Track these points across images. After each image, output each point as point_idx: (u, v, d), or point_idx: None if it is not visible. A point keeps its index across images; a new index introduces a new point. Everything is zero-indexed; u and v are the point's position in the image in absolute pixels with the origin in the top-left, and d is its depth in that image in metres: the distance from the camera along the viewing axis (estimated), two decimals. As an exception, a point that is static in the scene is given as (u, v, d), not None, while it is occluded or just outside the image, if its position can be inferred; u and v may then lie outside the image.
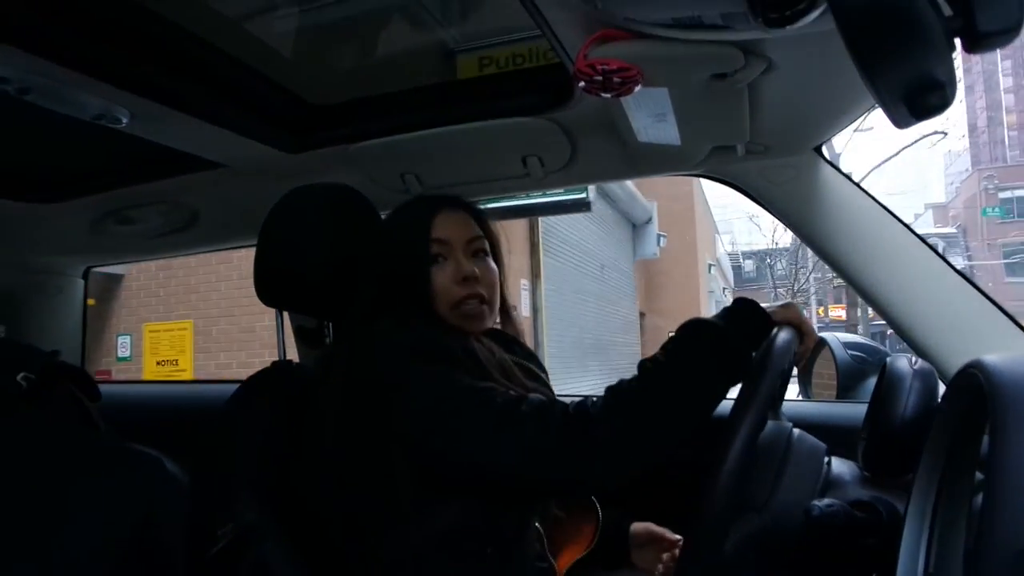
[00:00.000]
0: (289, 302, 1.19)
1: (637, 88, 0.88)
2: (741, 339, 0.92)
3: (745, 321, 0.94)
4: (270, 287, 1.13)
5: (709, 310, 15.17)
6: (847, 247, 1.17)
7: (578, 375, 8.79)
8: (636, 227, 13.05)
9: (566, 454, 0.86)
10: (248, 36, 1.12)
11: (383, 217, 1.17)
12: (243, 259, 6.13)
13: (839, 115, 1.08)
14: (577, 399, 0.90)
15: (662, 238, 13.05)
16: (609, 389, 0.91)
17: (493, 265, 1.08)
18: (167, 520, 0.60)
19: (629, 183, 10.66)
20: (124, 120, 1.04)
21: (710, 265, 16.91)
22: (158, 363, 6.76)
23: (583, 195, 7.34)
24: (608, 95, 0.91)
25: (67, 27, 0.87)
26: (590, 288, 10.14)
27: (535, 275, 7.86)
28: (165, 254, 1.76)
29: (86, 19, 0.89)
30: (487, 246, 1.08)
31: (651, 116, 1.01)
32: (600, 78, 0.87)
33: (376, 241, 1.08)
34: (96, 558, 0.46)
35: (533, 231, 7.92)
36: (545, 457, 0.87)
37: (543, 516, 1.09)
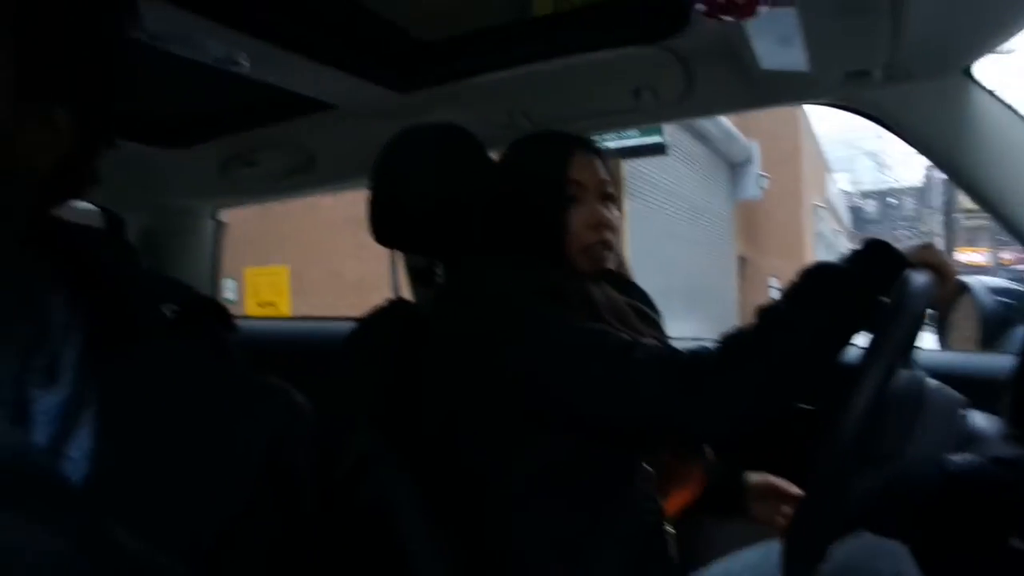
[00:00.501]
0: (401, 241, 1.21)
1: (761, 9, 0.82)
2: (870, 282, 0.85)
3: (875, 263, 0.87)
4: (382, 227, 1.15)
5: (818, 254, 14.29)
6: (1003, 183, 1.05)
7: (668, 322, 8.44)
8: (735, 167, 12.39)
9: (677, 403, 0.84)
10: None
11: (495, 155, 1.17)
12: (330, 208, 6.39)
13: (995, 29, 0.96)
14: (692, 346, 0.88)
15: (763, 179, 12.34)
16: (725, 337, 0.88)
17: (616, 211, 1.06)
18: (295, 445, 0.64)
19: (726, 120, 10.08)
20: (244, 63, 1.07)
21: (817, 206, 15.90)
22: (259, 305, 7.16)
23: (658, 138, 6.98)
24: (728, 18, 0.85)
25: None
26: (680, 232, 9.76)
27: (619, 219, 7.65)
28: (287, 195, 1.84)
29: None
30: (615, 192, 1.07)
31: (776, 40, 0.93)
32: (720, 0, 0.81)
33: (504, 179, 1.07)
34: (234, 476, 0.49)
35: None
36: (655, 405, 0.85)
37: (652, 457, 1.08)
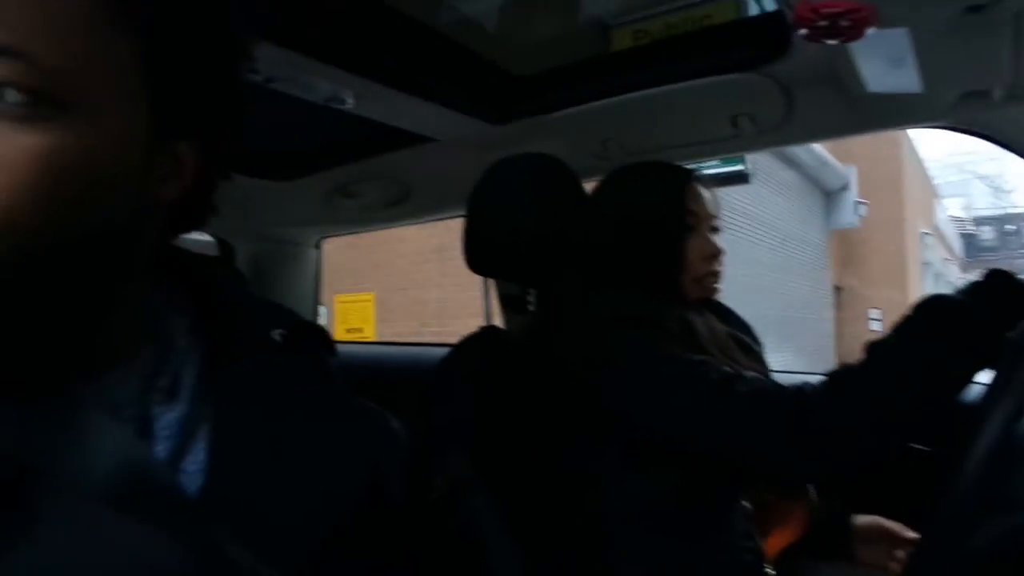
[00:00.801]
0: (495, 270, 1.23)
1: (868, 31, 0.79)
2: (991, 317, 0.79)
3: (996, 296, 0.81)
4: (477, 255, 1.17)
5: (924, 283, 13.38)
6: None
7: (759, 354, 8.15)
8: (830, 194, 11.87)
9: (779, 442, 0.81)
10: (454, 12, 1.16)
11: (588, 185, 1.17)
12: (415, 239, 6.74)
13: None
14: (796, 381, 0.84)
15: (861, 206, 11.74)
16: (831, 374, 0.83)
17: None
18: (391, 469, 0.65)
19: (819, 147, 9.70)
20: (350, 101, 1.13)
21: (924, 233, 14.94)
22: (347, 331, 7.35)
23: (740, 167, 6.78)
24: (833, 41, 0.82)
25: (304, 18, 0.95)
26: (767, 261, 9.40)
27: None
28: (385, 225, 1.90)
29: (318, 9, 0.97)
30: (720, 224, 1.07)
31: (886, 62, 0.89)
32: (824, 23, 0.79)
33: (617, 209, 1.07)
34: (335, 495, 0.50)
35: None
36: (755, 442, 0.82)
37: (752, 494, 1.04)
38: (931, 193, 17.73)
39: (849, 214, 11.81)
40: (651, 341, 0.90)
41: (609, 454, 0.91)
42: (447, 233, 6.54)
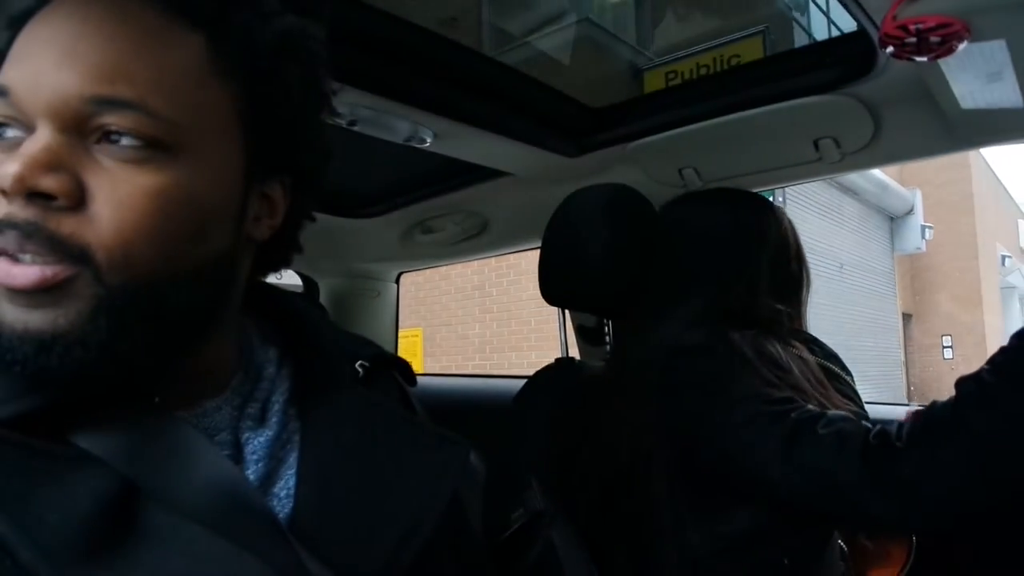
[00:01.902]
0: (571, 301, 1.23)
1: (961, 46, 0.75)
2: None
3: None
4: (553, 286, 1.17)
5: (1008, 308, 12.43)
6: None
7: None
8: (895, 219, 11.31)
9: (864, 491, 0.75)
10: (529, 48, 1.18)
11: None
12: (459, 276, 7.03)
13: None
14: (884, 416, 0.79)
15: (927, 230, 11.12)
16: (919, 415, 0.77)
17: None
18: (471, 500, 0.65)
19: (878, 172, 9.30)
20: (428, 140, 1.16)
21: (1004, 257, 13.89)
22: None
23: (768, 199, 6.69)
24: (923, 59, 0.79)
25: (385, 61, 0.99)
26: (824, 290, 9.04)
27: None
28: (462, 258, 1.93)
29: (399, 52, 1.01)
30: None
31: (981, 77, 0.85)
32: (913, 40, 0.76)
33: (699, 236, 1.05)
34: (416, 525, 0.51)
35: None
36: (839, 489, 0.77)
37: (847, 533, 0.98)
38: (1016, 213, 16.60)
39: (915, 238, 11.26)
40: (732, 374, 0.88)
41: (691, 488, 0.88)
42: (487, 272, 6.75)
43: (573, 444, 1.03)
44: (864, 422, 0.80)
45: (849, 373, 1.04)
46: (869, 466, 0.75)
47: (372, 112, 1.06)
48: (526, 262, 6.35)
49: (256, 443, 0.51)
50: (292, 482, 0.51)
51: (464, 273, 6.95)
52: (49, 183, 0.40)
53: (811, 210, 8.45)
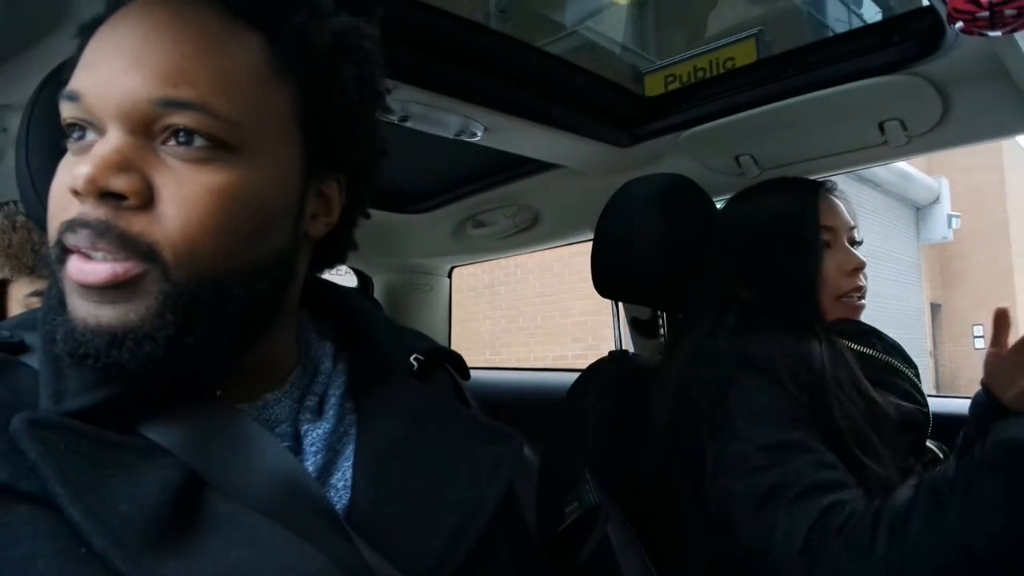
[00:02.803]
0: (624, 293, 1.21)
1: (1041, 17, 0.71)
2: None
3: None
4: (606, 279, 1.16)
5: None
6: None
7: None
8: (920, 209, 10.84)
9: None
10: (579, 37, 1.17)
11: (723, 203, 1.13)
12: (471, 275, 6.98)
13: None
14: (858, 507, 0.76)
15: (954, 219, 10.61)
16: (881, 516, 0.73)
17: None
18: (525, 493, 0.65)
19: (901, 162, 8.92)
20: (479, 134, 1.16)
21: None
22: None
23: None
24: (996, 33, 0.74)
25: (435, 56, 1.00)
26: None
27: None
28: (514, 252, 1.93)
29: (449, 47, 1.01)
30: (860, 236, 1.02)
31: (1063, 50, 0.80)
32: (985, 13, 0.71)
33: (747, 229, 1.04)
34: (472, 516, 0.51)
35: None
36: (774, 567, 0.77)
37: None
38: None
39: (942, 228, 10.79)
40: (748, 398, 0.86)
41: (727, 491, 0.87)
42: (496, 271, 6.80)
43: (628, 438, 1.02)
44: (837, 494, 0.78)
45: (913, 366, 1.00)
46: (805, 558, 0.75)
47: (423, 108, 1.06)
48: (533, 261, 6.40)
49: (315, 435, 0.52)
50: (349, 473, 0.51)
51: (476, 272, 7.04)
52: (119, 183, 0.42)
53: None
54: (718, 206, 1.17)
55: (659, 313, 1.33)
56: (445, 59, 1.01)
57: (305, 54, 0.49)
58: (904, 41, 0.95)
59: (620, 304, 1.31)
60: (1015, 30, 0.73)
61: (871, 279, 1.02)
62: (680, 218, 1.09)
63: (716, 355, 0.92)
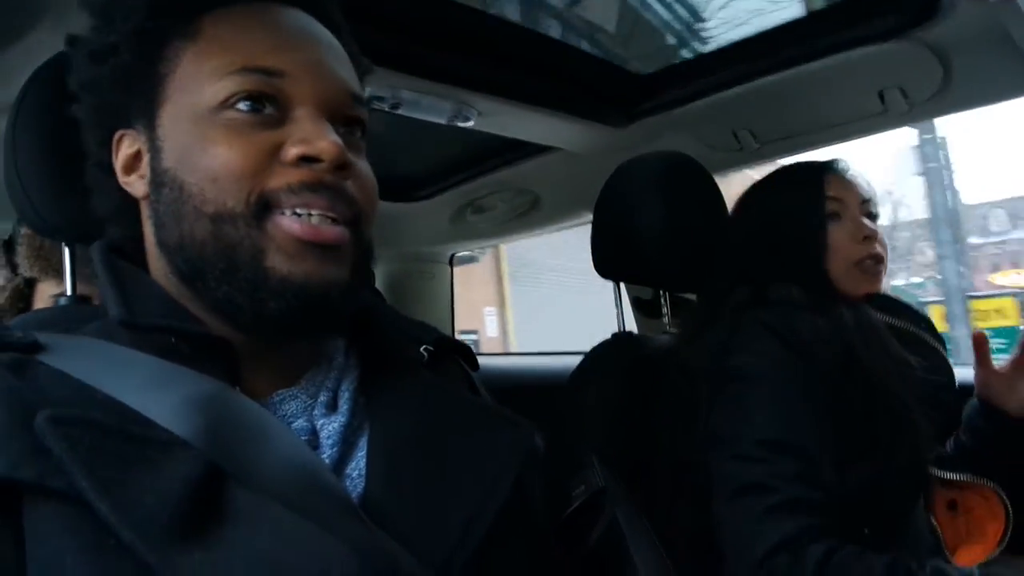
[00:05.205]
0: (625, 273, 1.20)
1: (1043, -23, 0.69)
2: None
3: None
4: (606, 260, 1.15)
5: None
6: None
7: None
8: None
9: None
10: (576, 18, 1.15)
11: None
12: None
13: None
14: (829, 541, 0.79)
15: None
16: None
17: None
18: (533, 479, 0.65)
19: None
20: (472, 119, 1.14)
21: None
22: None
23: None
24: (997, -4, 0.73)
25: (425, 42, 0.98)
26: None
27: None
28: (514, 236, 1.92)
29: (438, 32, 0.99)
30: (878, 209, 1.02)
31: (1065, 10, 0.78)
32: (986, -25, 0.70)
33: (758, 209, 1.06)
34: (483, 503, 0.51)
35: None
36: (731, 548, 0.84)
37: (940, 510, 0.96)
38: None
39: None
40: (775, 370, 0.88)
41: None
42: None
43: (632, 421, 1.01)
44: (814, 518, 0.81)
45: (941, 340, 1.00)
46: (763, 569, 0.80)
47: (414, 94, 1.05)
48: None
49: (330, 429, 0.52)
50: (363, 464, 0.52)
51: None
52: (349, 157, 0.50)
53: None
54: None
55: (661, 293, 1.32)
56: (433, 43, 0.99)
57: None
58: (900, 7, 0.94)
59: (622, 285, 1.30)
60: (1016, -9, 0.72)
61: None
62: (681, 196, 1.08)
63: (733, 332, 0.94)
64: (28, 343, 0.46)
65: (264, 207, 0.48)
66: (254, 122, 0.49)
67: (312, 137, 0.49)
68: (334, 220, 0.49)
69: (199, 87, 0.50)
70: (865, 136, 1.26)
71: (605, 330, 1.17)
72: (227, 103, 0.49)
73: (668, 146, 1.20)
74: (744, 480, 0.84)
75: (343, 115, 0.52)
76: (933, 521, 0.93)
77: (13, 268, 1.02)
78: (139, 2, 0.51)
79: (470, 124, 1.16)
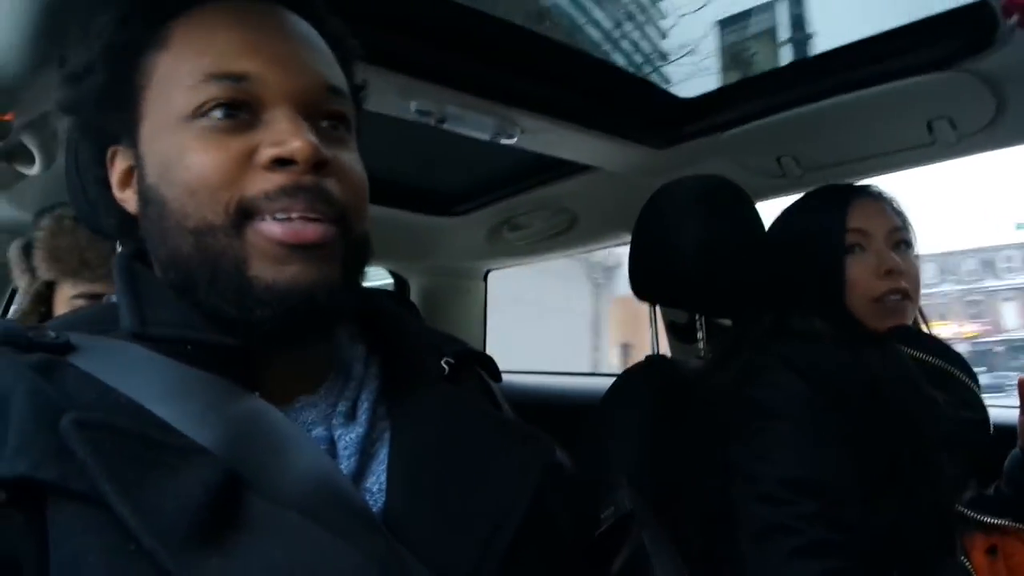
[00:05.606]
0: (661, 296, 1.19)
1: (1104, 9, 0.68)
2: None
3: None
4: (643, 282, 1.14)
5: None
6: None
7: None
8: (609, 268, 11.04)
9: None
10: (623, 39, 1.15)
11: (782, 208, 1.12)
12: None
13: None
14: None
15: None
16: None
17: (915, 258, 0.99)
18: (556, 496, 0.64)
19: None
20: (516, 136, 1.15)
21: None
22: None
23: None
24: (1055, 27, 0.71)
25: (473, 58, 1.00)
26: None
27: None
28: (549, 255, 1.91)
29: (486, 48, 1.01)
30: (910, 237, 0.99)
31: None
32: (1041, 7, 0.69)
33: (781, 235, 1.05)
34: (503, 518, 0.50)
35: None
36: None
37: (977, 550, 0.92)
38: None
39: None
40: (798, 409, 0.86)
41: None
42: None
43: (663, 446, 1.00)
44: (836, 561, 0.80)
45: (972, 375, 0.96)
46: None
47: (460, 109, 1.06)
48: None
49: (348, 439, 0.52)
50: (383, 477, 0.51)
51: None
52: (326, 154, 0.49)
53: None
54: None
55: (697, 317, 1.30)
56: (482, 61, 1.01)
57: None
58: (954, 37, 0.92)
59: (657, 308, 1.29)
60: (1074, 23, 0.70)
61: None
62: (720, 219, 1.07)
63: (752, 363, 0.92)
64: (60, 344, 0.47)
65: (243, 216, 0.47)
66: (228, 127, 0.48)
67: (285, 138, 0.47)
68: (316, 219, 0.48)
69: (174, 96, 0.49)
70: (911, 168, 1.23)
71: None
72: (200, 111, 0.48)
73: (709, 170, 1.19)
74: (769, 521, 0.82)
75: (322, 110, 0.50)
76: (968, 565, 0.90)
77: (32, 272, 1.05)
78: (108, 16, 0.51)
79: (513, 141, 1.16)
